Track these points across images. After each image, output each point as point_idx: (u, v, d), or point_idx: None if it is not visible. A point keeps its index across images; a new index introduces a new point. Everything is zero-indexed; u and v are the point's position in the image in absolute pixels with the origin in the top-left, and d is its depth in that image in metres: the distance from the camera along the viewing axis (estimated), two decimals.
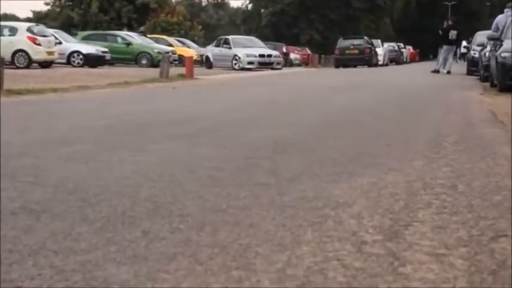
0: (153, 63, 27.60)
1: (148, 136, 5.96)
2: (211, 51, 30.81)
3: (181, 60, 27.71)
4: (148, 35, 35.39)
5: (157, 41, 33.04)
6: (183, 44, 35.80)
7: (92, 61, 26.12)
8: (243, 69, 28.27)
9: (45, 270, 2.29)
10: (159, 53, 27.76)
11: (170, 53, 27.09)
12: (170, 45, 32.91)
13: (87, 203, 3.30)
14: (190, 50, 33.25)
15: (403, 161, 4.78)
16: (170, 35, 39.65)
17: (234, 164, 4.53)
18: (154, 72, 18.68)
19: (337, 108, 9.41)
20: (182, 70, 19.59)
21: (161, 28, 44.03)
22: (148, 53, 29.43)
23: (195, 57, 29.99)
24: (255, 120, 7.50)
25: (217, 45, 30.88)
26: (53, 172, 4.12)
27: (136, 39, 30.87)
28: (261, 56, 29.61)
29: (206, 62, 30.39)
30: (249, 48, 30.26)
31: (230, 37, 31.97)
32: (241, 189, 3.69)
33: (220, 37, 33.07)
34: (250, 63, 28.92)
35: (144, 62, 29.13)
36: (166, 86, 14.91)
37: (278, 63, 30.23)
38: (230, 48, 29.77)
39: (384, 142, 5.74)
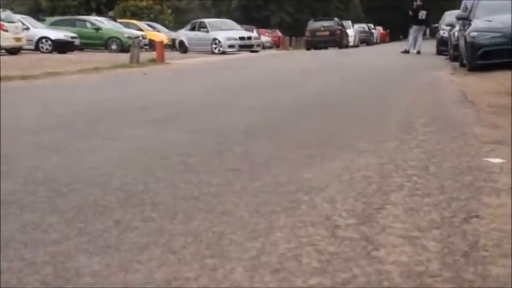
0: (123, 48, 27.35)
1: (119, 123, 5.90)
2: (185, 35, 30.57)
3: (151, 44, 27.52)
4: (117, 20, 35.04)
5: (127, 25, 32.76)
6: (153, 28, 35.55)
7: (61, 47, 25.82)
8: (223, 52, 28.15)
9: (14, 263, 2.25)
10: (129, 37, 27.54)
11: (140, 38, 26.88)
12: (140, 29, 32.66)
13: (58, 193, 3.26)
14: (161, 35, 33.00)
15: (375, 142, 4.79)
16: (140, 19, 39.25)
17: (206, 150, 4.50)
18: (124, 57, 18.53)
19: (308, 91, 9.41)
20: (153, 55, 19.45)
21: (130, 13, 43.57)
22: (118, 38, 29.18)
23: (165, 42, 29.77)
24: (226, 105, 7.47)
25: (192, 29, 30.68)
26: (22, 162, 4.06)
27: (105, 24, 30.56)
28: (241, 38, 29.58)
29: (181, 46, 30.20)
30: (227, 31, 30.13)
31: (206, 20, 31.80)
32: (213, 175, 3.67)
33: (194, 21, 32.85)
34: (231, 46, 28.84)
35: (114, 47, 28.87)
36: (136, 71, 14.80)
37: (258, 45, 30.26)
38: (208, 31, 29.58)
39: (355, 124, 5.75)
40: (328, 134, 5.21)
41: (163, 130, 5.45)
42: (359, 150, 4.48)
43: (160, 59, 18.43)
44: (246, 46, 29.34)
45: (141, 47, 21.72)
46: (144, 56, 18.65)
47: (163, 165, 3.95)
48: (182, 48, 30.00)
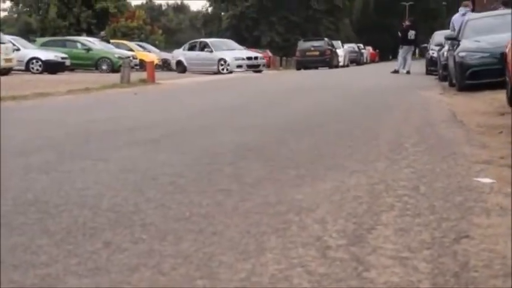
0: (114, 68, 27.37)
1: (109, 144, 5.89)
2: (183, 55, 30.51)
3: (142, 65, 27.55)
4: (109, 40, 35.11)
5: (117, 46, 32.81)
6: (144, 48, 35.60)
7: (51, 67, 25.82)
8: (230, 72, 28.28)
9: (3, 286, 2.24)
10: (119, 58, 27.57)
11: (131, 58, 26.93)
12: (131, 50, 32.69)
13: (47, 214, 3.24)
14: (151, 55, 33.06)
15: (365, 162, 4.80)
16: (130, 39, 39.40)
17: (196, 170, 4.50)
18: (115, 77, 18.52)
19: (298, 110, 9.42)
20: (143, 75, 19.45)
21: (121, 33, 43.76)
22: (108, 58, 29.19)
23: (156, 62, 29.82)
24: (216, 126, 7.47)
25: (191, 49, 30.67)
26: (12, 183, 4.04)
27: (96, 44, 30.59)
28: (249, 58, 29.85)
29: (178, 66, 30.13)
30: (232, 51, 30.37)
31: (209, 40, 31.97)
32: (203, 196, 3.66)
33: (193, 41, 32.93)
34: (239, 66, 28.96)
35: (104, 67, 28.88)
36: (127, 91, 14.80)
37: (263, 65, 30.48)
38: (211, 51, 29.61)
39: (345, 144, 5.76)
40: (319, 154, 5.22)
41: (154, 151, 5.45)
42: (349, 170, 4.48)
43: (151, 79, 18.45)
44: (253, 66, 29.56)
45: (132, 67, 21.74)
46: (135, 76, 18.67)
47: (154, 186, 3.95)
48: (180, 68, 29.98)
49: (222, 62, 29.10)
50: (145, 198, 3.59)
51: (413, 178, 4.20)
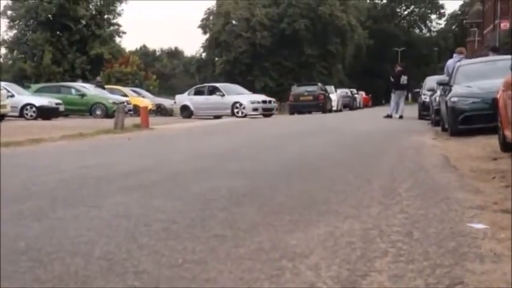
0: (108, 113, 27.42)
1: (103, 190, 5.88)
2: (189, 100, 30.46)
3: (136, 110, 27.62)
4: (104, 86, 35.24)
5: (111, 91, 32.94)
6: (138, 94, 35.75)
7: (45, 113, 25.87)
8: (245, 116, 28.57)
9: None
10: (113, 103, 27.65)
11: (125, 104, 27.01)
12: (125, 95, 32.80)
13: (39, 262, 3.22)
14: (145, 100, 33.19)
15: (359, 207, 4.80)
16: (125, 85, 39.58)
17: (189, 216, 4.49)
18: (109, 123, 18.55)
19: (292, 155, 9.43)
20: (137, 120, 19.50)
21: (115, 78, 43.94)
22: (102, 104, 29.24)
23: (150, 107, 29.91)
24: (209, 170, 7.47)
25: (197, 94, 30.77)
26: (4, 231, 4.02)
27: (90, 90, 30.70)
28: (264, 102, 30.21)
29: (184, 111, 30.06)
30: (246, 94, 30.83)
31: (219, 84, 32.21)
32: (197, 242, 3.65)
33: (199, 85, 33.33)
34: (255, 109, 29.24)
35: (98, 112, 28.91)
36: (121, 137, 14.82)
37: (276, 109, 30.88)
38: (223, 95, 29.75)
39: (339, 189, 5.76)
40: (312, 199, 5.21)
41: (147, 196, 5.44)
42: (343, 215, 4.48)
43: (145, 125, 18.48)
44: (268, 109, 29.95)
45: (126, 113, 21.79)
46: (129, 121, 18.71)
47: (147, 233, 3.93)
48: (186, 112, 29.92)
49: (238, 105, 29.23)
50: (138, 245, 3.58)
51: (406, 223, 4.20)
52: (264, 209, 4.81)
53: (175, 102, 31.81)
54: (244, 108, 29.12)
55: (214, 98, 29.82)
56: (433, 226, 4.08)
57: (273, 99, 31.95)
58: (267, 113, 29.83)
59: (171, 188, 5.97)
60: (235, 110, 29.20)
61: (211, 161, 8.64)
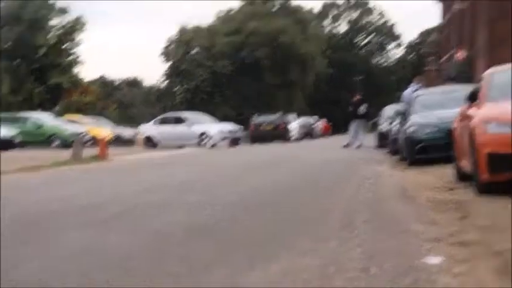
0: (66, 144, 26.95)
1: (59, 225, 5.78)
2: (155, 129, 29.95)
3: (95, 140, 27.31)
4: (62, 116, 34.83)
5: (70, 121, 32.56)
6: (97, 124, 35.30)
7: (1, 145, 25.40)
8: (213, 145, 28.21)
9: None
10: (71, 134, 27.32)
11: (83, 134, 26.71)
12: (83, 125, 32.43)
13: None
14: (104, 130, 32.87)
15: (317, 241, 4.79)
16: (84, 114, 39.12)
17: (146, 253, 4.43)
18: (67, 154, 18.26)
19: (251, 186, 9.39)
20: (96, 151, 19.26)
21: (74, 108, 43.42)
22: (60, 135, 28.80)
23: (109, 137, 29.59)
24: (167, 203, 7.39)
25: (164, 123, 30.31)
26: None
27: (48, 120, 30.24)
28: (231, 132, 30.07)
29: (148, 142, 29.48)
30: (215, 124, 30.68)
31: (185, 114, 31.87)
32: (152, 280, 3.60)
33: (165, 115, 32.84)
34: (223, 138, 29.06)
35: (56, 143, 28.44)
36: (79, 168, 14.61)
37: (241, 138, 30.80)
38: (190, 125, 29.41)
39: (297, 221, 5.75)
40: (270, 233, 5.19)
41: (104, 231, 5.36)
42: (301, 250, 4.47)
43: (103, 156, 18.25)
44: (235, 139, 29.83)
45: (84, 143, 21.55)
46: (87, 152, 18.46)
47: (103, 269, 3.87)
48: (150, 143, 29.41)
49: (206, 135, 29.03)
50: (95, 284, 3.51)
51: (363, 258, 4.20)
52: (221, 244, 4.77)
53: (139, 132, 31.46)
54: (211, 138, 28.96)
55: (181, 128, 29.50)
56: (390, 261, 4.08)
57: (239, 128, 31.89)
58: (234, 141, 29.69)
59: (128, 222, 5.90)
60: (203, 140, 29.02)
61: (169, 193, 8.57)
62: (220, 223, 5.79)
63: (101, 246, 4.71)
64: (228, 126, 31.06)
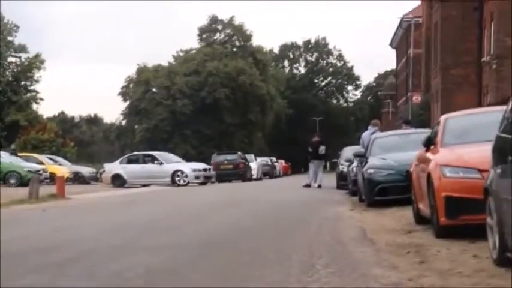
0: (23, 182, 26.47)
1: (12, 269, 5.63)
2: (122, 168, 29.43)
3: (52, 178, 26.90)
4: (18, 153, 34.22)
5: (27, 159, 31.94)
6: (55, 161, 34.81)
7: None
8: (187, 183, 28.14)
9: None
10: (28, 171, 26.88)
11: (41, 172, 26.30)
12: (41, 163, 31.84)
13: None
14: (63, 168, 32.45)
15: (278, 285, 4.77)
16: (41, 152, 38.44)
17: None
18: (23, 192, 17.93)
19: (211, 227, 9.33)
20: (53, 189, 18.97)
21: (32, 145, 42.60)
22: (17, 172, 28.17)
23: (67, 175, 29.16)
24: (126, 246, 7.28)
25: (132, 162, 30.05)
26: None
27: (4, 157, 29.62)
28: (205, 170, 30.15)
29: (116, 180, 28.90)
30: (188, 163, 30.99)
31: (156, 153, 31.73)
32: None
33: (133, 154, 32.94)
34: (197, 177, 28.96)
35: (12, 181, 27.77)
36: (35, 207, 14.30)
37: (214, 176, 31.00)
38: (161, 163, 29.25)
39: (257, 265, 5.72)
40: (230, 276, 5.15)
41: (59, 277, 5.24)
42: None
43: (61, 194, 17.96)
44: (207, 177, 29.90)
45: (42, 181, 21.23)
46: (45, 190, 18.15)
47: None
48: (118, 181, 28.80)
49: (179, 173, 28.85)
50: None
51: None
52: None
53: (105, 171, 30.82)
54: (186, 176, 28.84)
55: (152, 167, 29.27)
56: None
57: (210, 167, 32.02)
58: (207, 180, 29.83)
59: (85, 266, 5.78)
60: (177, 179, 28.70)
61: (129, 234, 8.46)
62: (180, 267, 5.74)
63: None
64: (201, 165, 31.19)
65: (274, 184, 32.69)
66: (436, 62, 37.05)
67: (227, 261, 6.03)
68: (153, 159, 30.01)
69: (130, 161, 30.45)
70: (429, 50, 40.56)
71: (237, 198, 16.36)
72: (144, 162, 29.93)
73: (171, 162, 30.06)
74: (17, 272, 5.47)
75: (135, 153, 33.62)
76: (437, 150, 8.00)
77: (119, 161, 31.10)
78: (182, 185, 28.06)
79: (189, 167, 29.76)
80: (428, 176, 7.52)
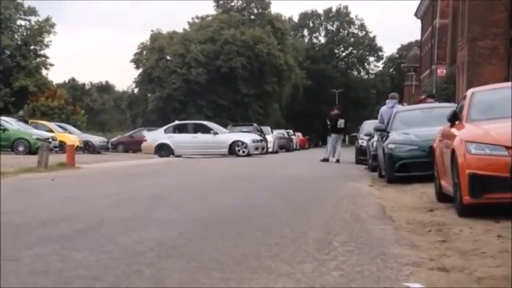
0: (32, 150, 26.10)
1: (20, 240, 5.48)
2: (169, 137, 28.60)
3: (62, 146, 26.66)
4: (28, 120, 33.88)
5: (36, 126, 31.38)
6: (65, 129, 34.27)
7: None
8: (249, 155, 27.93)
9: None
10: (37, 139, 26.59)
11: (50, 140, 26.05)
12: (50, 130, 31.28)
13: None
14: (72, 136, 32.10)
15: (292, 263, 4.60)
16: (51, 120, 37.85)
17: (114, 273, 4.20)
18: (32, 160, 17.75)
19: (224, 203, 9.08)
20: (63, 158, 18.77)
21: (41, 113, 41.95)
22: (26, 140, 27.69)
23: (77, 144, 28.92)
24: (137, 219, 7.09)
25: (179, 131, 29.35)
26: None
27: (13, 124, 29.21)
28: (259, 141, 30.19)
29: (162, 150, 28.14)
30: (245, 133, 31.02)
31: (207, 123, 31.32)
32: None
33: (180, 122, 32.21)
34: (256, 148, 28.98)
35: (21, 149, 27.30)
36: (44, 176, 14.08)
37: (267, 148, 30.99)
38: (216, 133, 28.83)
39: (271, 242, 5.53)
40: (244, 254, 4.97)
41: (69, 249, 5.08)
42: (275, 273, 4.28)
43: (71, 163, 17.74)
44: (263, 148, 30.09)
45: (51, 150, 20.97)
46: (54, 159, 17.94)
47: None
48: (165, 151, 28.13)
49: (239, 144, 28.46)
50: None
51: (341, 282, 4.05)
52: (193, 264, 4.55)
53: (147, 140, 29.80)
54: (246, 147, 28.43)
55: (205, 137, 28.64)
56: (368, 285, 3.92)
57: (260, 137, 31.69)
58: (263, 151, 30.04)
59: (95, 239, 5.61)
60: (237, 148, 28.25)
61: (139, 207, 8.27)
62: (192, 242, 5.57)
63: (65, 265, 4.47)
64: (257, 136, 31.08)
65: (291, 157, 32.47)
66: (462, 33, 36.07)
67: (240, 237, 5.83)
68: (206, 129, 29.45)
69: (176, 130, 29.64)
70: (456, 21, 39.69)
71: (252, 173, 16.09)
72: (195, 131, 29.36)
73: (225, 133, 29.64)
74: (25, 242, 5.32)
75: (179, 122, 32.57)
76: (462, 125, 7.75)
77: (163, 129, 29.97)
78: (242, 156, 27.59)
79: (249, 138, 29.37)
80: (453, 152, 7.28)
